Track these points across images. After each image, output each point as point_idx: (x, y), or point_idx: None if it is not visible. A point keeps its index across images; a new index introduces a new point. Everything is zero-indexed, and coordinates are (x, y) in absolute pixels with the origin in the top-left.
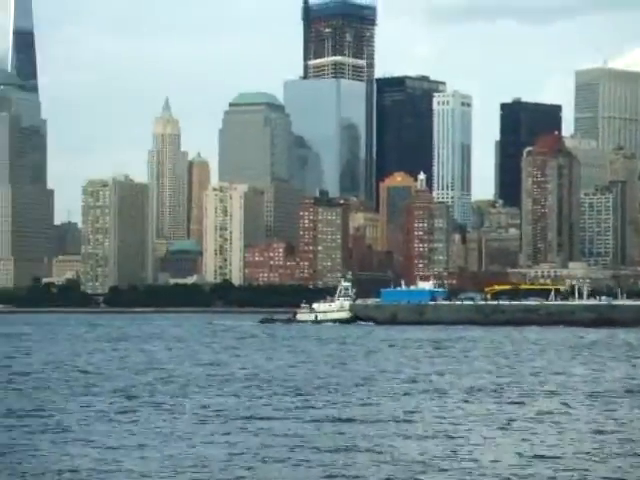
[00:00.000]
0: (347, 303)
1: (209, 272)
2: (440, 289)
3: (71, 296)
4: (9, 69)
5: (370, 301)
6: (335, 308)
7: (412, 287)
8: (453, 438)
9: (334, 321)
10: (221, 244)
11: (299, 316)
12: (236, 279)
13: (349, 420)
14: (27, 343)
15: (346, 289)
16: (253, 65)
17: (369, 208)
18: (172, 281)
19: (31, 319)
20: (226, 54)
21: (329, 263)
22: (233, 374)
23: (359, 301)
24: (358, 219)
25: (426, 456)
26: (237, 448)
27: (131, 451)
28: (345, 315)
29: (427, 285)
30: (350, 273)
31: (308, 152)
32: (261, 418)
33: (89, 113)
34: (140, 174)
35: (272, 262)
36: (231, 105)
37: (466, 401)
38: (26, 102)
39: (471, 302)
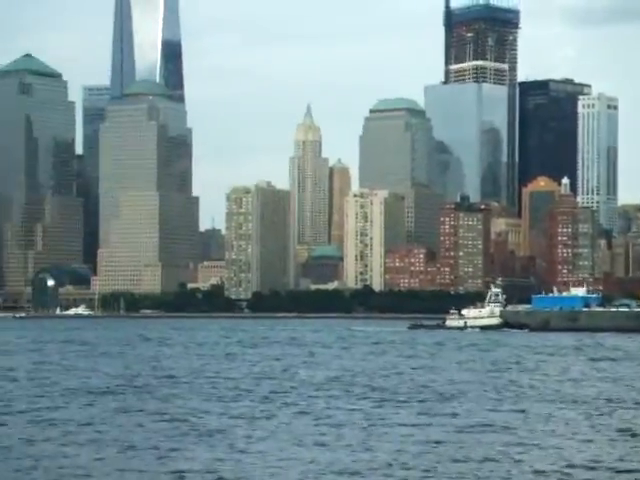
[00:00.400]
0: (497, 309)
1: (350, 278)
2: (594, 295)
3: (215, 301)
4: (157, 79)
5: (521, 307)
6: (485, 314)
7: (564, 293)
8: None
9: (484, 328)
10: (362, 250)
11: (448, 322)
12: (377, 285)
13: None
14: (174, 349)
15: (496, 295)
16: (393, 71)
17: (511, 213)
18: (313, 287)
19: (177, 324)
20: (367, 60)
21: (470, 269)
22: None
23: (509, 307)
24: (500, 224)
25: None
26: (377, 454)
27: (274, 456)
28: (495, 321)
29: (580, 291)
30: (500, 279)
31: (449, 157)
32: (401, 424)
33: (232, 121)
34: (282, 181)
35: (413, 268)
36: (371, 111)
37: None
38: (173, 111)
39: (626, 309)
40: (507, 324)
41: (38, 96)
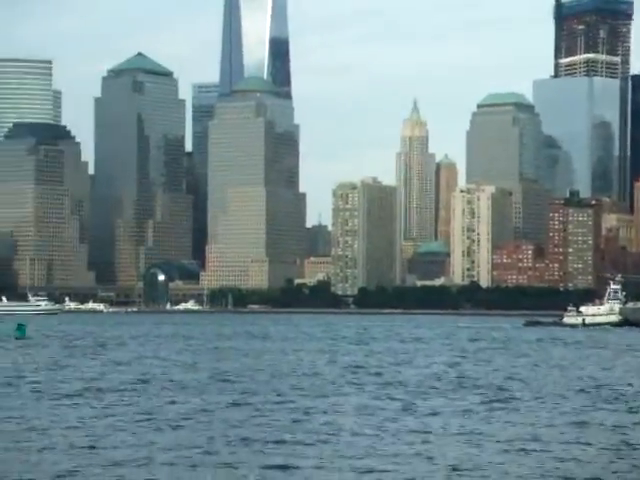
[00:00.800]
0: (617, 306)
1: (457, 274)
2: None
3: (322, 297)
4: (265, 76)
5: None
6: (604, 311)
7: None
8: None
9: (602, 325)
10: (469, 246)
11: (566, 319)
12: (484, 281)
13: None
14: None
15: (615, 292)
16: (502, 65)
17: (623, 208)
18: (419, 283)
19: (284, 319)
20: (475, 55)
21: (580, 265)
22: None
23: (630, 304)
24: (611, 220)
25: None
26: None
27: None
28: (615, 319)
29: None
30: (620, 276)
31: (558, 152)
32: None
33: (339, 117)
34: (388, 177)
35: (521, 264)
36: (479, 106)
37: None
38: (280, 108)
39: None
40: (627, 322)
41: (150, 94)
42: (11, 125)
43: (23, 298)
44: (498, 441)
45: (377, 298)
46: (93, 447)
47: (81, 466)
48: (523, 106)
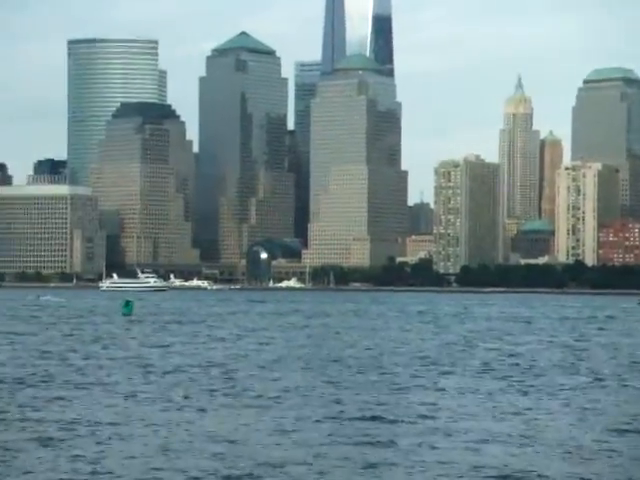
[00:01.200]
0: None
1: (561, 252)
2: None
3: (424, 275)
4: (367, 54)
5: None
6: None
7: None
8: None
9: None
10: (574, 224)
11: None
12: (589, 260)
13: None
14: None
15: None
16: (608, 39)
17: None
18: (523, 261)
19: (385, 298)
20: (580, 29)
21: None
22: None
23: None
24: None
25: None
26: None
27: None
28: None
29: None
30: None
31: None
32: None
33: (441, 95)
34: (491, 154)
35: (627, 243)
36: (585, 82)
37: None
38: (382, 86)
39: None
40: None
41: (253, 73)
42: (118, 105)
43: (131, 275)
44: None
45: (479, 276)
46: None
47: None
48: (631, 81)
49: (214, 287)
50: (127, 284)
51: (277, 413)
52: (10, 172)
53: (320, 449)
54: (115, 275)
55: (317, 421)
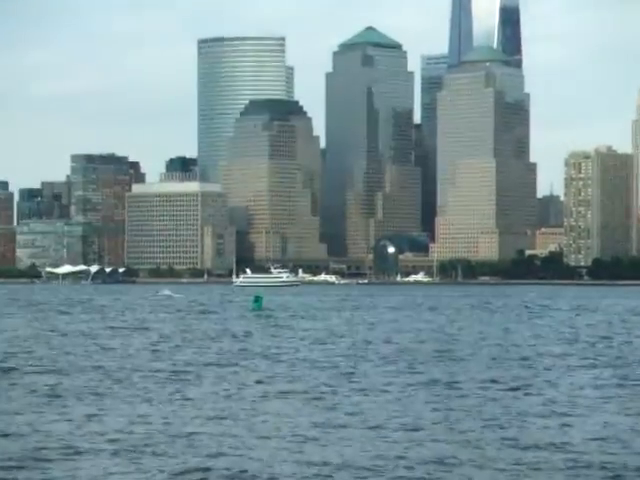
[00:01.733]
0: None
1: None
2: None
3: (554, 268)
4: (495, 45)
5: None
6: None
7: None
8: None
9: None
10: None
11: None
12: None
13: None
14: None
15: None
16: None
17: None
18: None
19: (514, 291)
20: None
21: None
22: None
23: None
24: None
25: None
26: None
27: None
28: None
29: None
30: None
31: None
32: None
33: (571, 85)
34: (624, 145)
35: None
36: None
37: None
38: (510, 77)
39: None
40: None
41: (379, 67)
42: (247, 102)
43: (261, 270)
44: None
45: (612, 269)
46: None
47: None
48: None
49: (341, 281)
50: (260, 279)
51: None
52: (143, 170)
53: None
54: (248, 270)
55: None
